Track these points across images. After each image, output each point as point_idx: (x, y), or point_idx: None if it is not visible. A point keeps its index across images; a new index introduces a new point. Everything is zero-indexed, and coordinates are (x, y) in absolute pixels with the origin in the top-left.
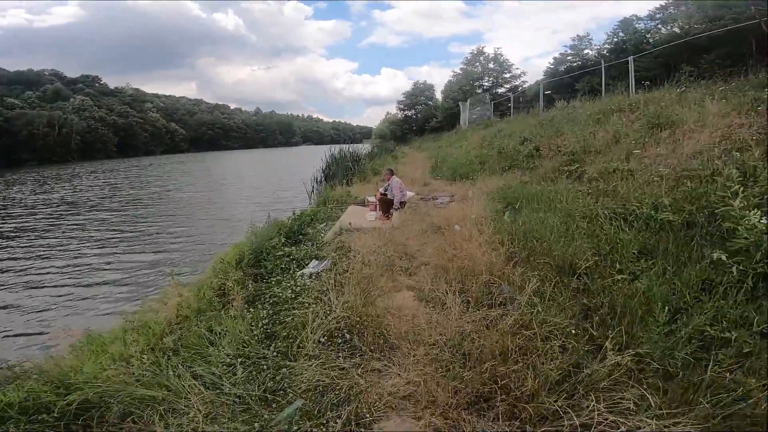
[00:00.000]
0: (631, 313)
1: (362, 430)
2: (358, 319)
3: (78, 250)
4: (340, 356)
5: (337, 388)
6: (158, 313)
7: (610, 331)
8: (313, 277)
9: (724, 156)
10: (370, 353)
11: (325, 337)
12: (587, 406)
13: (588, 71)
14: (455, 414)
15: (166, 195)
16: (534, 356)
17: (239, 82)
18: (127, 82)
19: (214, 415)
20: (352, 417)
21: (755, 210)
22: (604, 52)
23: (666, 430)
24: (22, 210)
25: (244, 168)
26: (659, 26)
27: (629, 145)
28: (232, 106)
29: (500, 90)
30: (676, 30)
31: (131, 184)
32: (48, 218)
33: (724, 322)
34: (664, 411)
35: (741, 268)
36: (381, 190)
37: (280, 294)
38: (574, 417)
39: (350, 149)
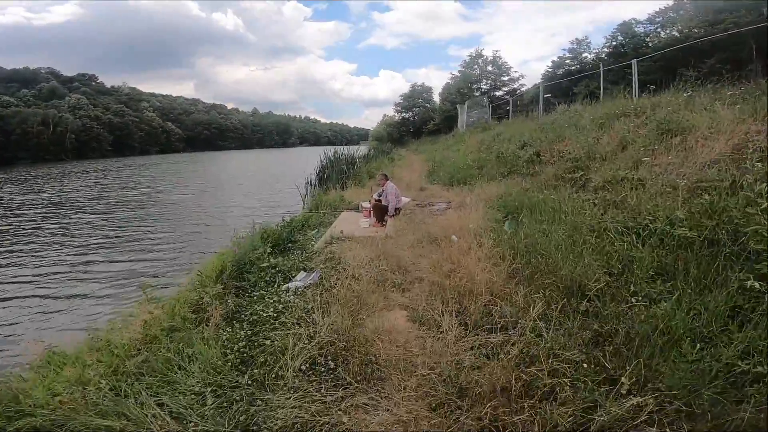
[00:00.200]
0: (650, 344)
1: None
2: (344, 344)
3: (57, 256)
4: (322, 387)
5: (318, 425)
6: (122, 332)
7: (626, 364)
8: (299, 292)
9: (743, 166)
10: (355, 384)
11: (307, 365)
12: None
13: (587, 75)
14: None
15: (155, 197)
16: (540, 395)
17: (237, 82)
18: (124, 81)
19: None
20: None
21: None
22: (603, 55)
23: None
24: (5, 210)
25: (239, 169)
26: (658, 30)
27: (637, 152)
28: (230, 106)
29: (498, 93)
30: (675, 34)
31: (121, 185)
32: (31, 221)
33: (756, 356)
34: None
35: None
36: (375, 195)
37: (261, 312)
38: None
39: (345, 151)
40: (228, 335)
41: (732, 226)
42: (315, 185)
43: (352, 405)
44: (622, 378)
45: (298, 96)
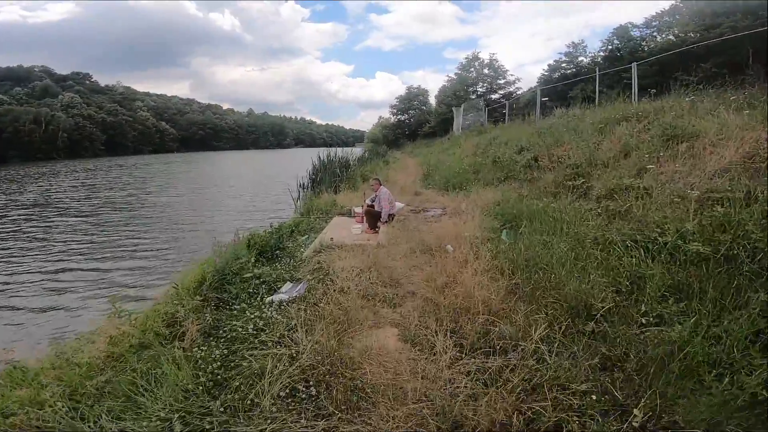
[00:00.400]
0: (664, 371)
1: None
2: (328, 367)
3: (33, 262)
4: (302, 418)
5: None
6: (86, 349)
7: (638, 393)
8: (284, 306)
9: (758, 176)
10: (339, 414)
11: (287, 390)
12: None
13: (583, 79)
14: None
15: (143, 199)
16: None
17: (233, 83)
18: (118, 80)
19: None
20: None
21: None
22: (599, 59)
23: None
24: None
25: (232, 170)
26: (654, 34)
27: (641, 159)
28: (225, 107)
29: (494, 96)
30: (671, 38)
31: (110, 186)
32: (13, 223)
33: None
34: None
35: None
36: (368, 201)
37: (240, 328)
38: None
39: (338, 153)
40: (203, 354)
41: (750, 242)
42: (308, 188)
43: None
44: (635, 410)
45: (294, 97)
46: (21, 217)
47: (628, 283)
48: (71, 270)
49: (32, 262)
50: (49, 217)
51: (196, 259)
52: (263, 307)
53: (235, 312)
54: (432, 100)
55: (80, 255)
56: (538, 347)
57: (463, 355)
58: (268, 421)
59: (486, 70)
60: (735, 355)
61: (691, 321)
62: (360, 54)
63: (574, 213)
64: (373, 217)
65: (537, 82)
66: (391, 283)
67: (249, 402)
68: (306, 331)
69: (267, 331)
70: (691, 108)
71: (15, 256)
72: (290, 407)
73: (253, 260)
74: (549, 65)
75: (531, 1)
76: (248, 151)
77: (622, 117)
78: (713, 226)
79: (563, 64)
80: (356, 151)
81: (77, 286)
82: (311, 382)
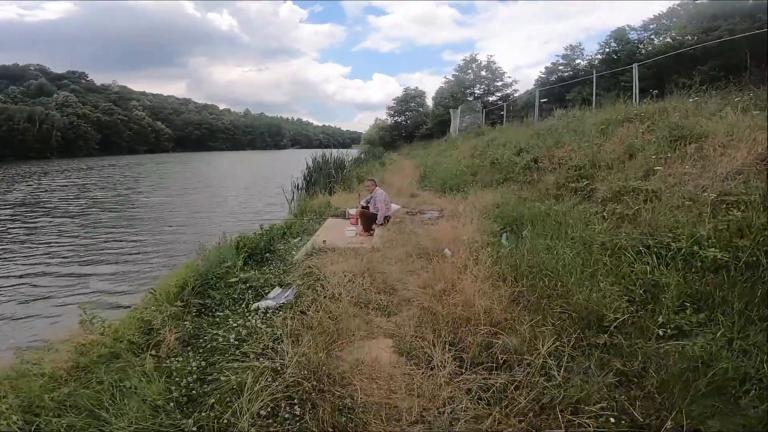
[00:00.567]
0: (689, 387)
1: None
2: (315, 383)
3: (13, 264)
4: None
5: None
6: (51, 359)
7: (660, 412)
8: (270, 313)
9: None
10: None
11: (268, 409)
12: None
13: (579, 81)
14: None
15: (134, 199)
16: None
17: (230, 83)
18: (114, 80)
19: None
20: None
21: None
22: (596, 62)
23: None
24: None
25: (228, 170)
26: (652, 37)
27: (647, 161)
28: (222, 107)
29: (491, 98)
30: (669, 41)
31: (101, 185)
32: None
33: None
34: None
35: None
36: (362, 202)
37: (221, 338)
38: None
39: (333, 154)
40: (178, 365)
41: None
42: (303, 189)
43: None
44: None
45: (291, 98)
46: (5, 217)
47: (641, 292)
48: (51, 275)
49: (11, 265)
50: (35, 218)
51: (181, 263)
52: (248, 314)
53: (217, 319)
54: (429, 102)
55: (63, 258)
56: (546, 362)
57: (464, 370)
58: None
59: (484, 72)
60: (766, 371)
61: (718, 334)
62: (357, 55)
63: (579, 216)
64: (367, 219)
65: (534, 85)
66: (386, 290)
67: (225, 422)
68: (292, 342)
69: (250, 341)
70: (695, 109)
71: None
72: (271, 429)
73: (240, 263)
74: (546, 68)
75: (528, 3)
76: (244, 151)
77: (624, 118)
78: (730, 231)
79: (560, 67)
80: (353, 153)
81: (56, 291)
82: (295, 400)
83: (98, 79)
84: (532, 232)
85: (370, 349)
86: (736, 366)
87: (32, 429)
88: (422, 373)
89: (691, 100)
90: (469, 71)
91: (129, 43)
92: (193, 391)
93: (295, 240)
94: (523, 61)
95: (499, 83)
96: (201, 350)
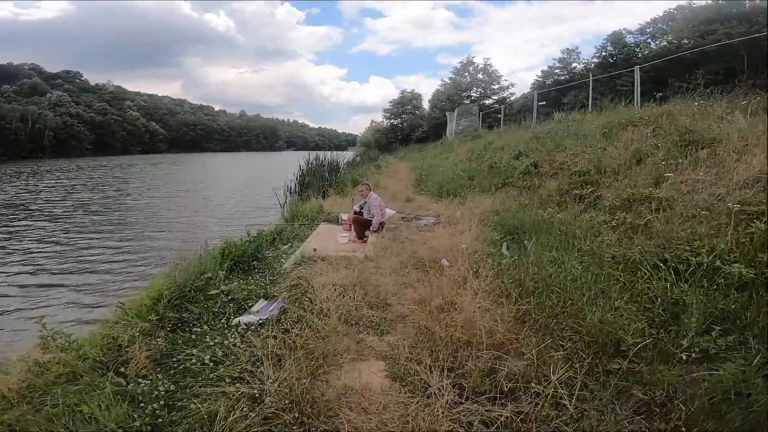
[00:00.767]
0: (721, 419)
1: None
2: (297, 414)
3: None
4: None
5: None
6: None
7: None
8: (252, 329)
9: None
10: None
11: None
12: None
13: (575, 85)
14: None
15: (122, 200)
16: None
17: (225, 84)
18: (108, 79)
19: None
20: None
21: None
22: (592, 66)
23: None
24: None
25: (222, 172)
26: (649, 40)
27: (657, 166)
28: (217, 108)
29: (488, 101)
30: (666, 44)
31: (89, 186)
32: None
33: None
34: None
35: None
36: (356, 207)
37: (195, 358)
38: None
39: (327, 156)
40: (146, 388)
41: None
42: (296, 193)
43: None
44: None
45: (287, 99)
46: None
47: (661, 311)
48: (23, 285)
49: None
50: (17, 220)
51: (163, 272)
52: (227, 331)
53: (193, 336)
54: (425, 105)
55: (38, 266)
56: (557, 391)
57: (464, 400)
58: None
59: (480, 75)
60: None
61: (755, 360)
62: (354, 57)
63: (586, 225)
64: (361, 226)
65: (531, 88)
66: (379, 304)
67: None
68: (273, 365)
69: (227, 362)
70: (701, 112)
71: None
72: None
73: (224, 272)
74: (542, 71)
75: (524, 6)
76: (239, 153)
77: (627, 121)
78: (754, 245)
79: (557, 71)
80: (348, 155)
81: (25, 303)
82: None
83: (94, 78)
84: (535, 241)
85: (360, 374)
86: None
87: None
88: (417, 402)
89: (696, 103)
90: (466, 74)
91: (125, 42)
92: (159, 419)
93: (285, 246)
94: (519, 65)
95: (496, 86)
96: (172, 371)
